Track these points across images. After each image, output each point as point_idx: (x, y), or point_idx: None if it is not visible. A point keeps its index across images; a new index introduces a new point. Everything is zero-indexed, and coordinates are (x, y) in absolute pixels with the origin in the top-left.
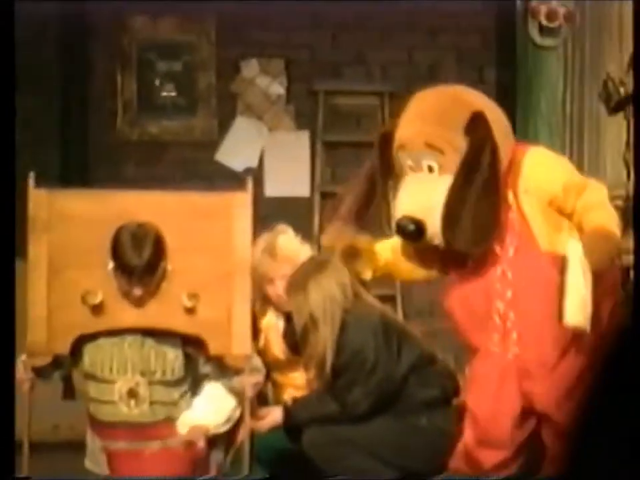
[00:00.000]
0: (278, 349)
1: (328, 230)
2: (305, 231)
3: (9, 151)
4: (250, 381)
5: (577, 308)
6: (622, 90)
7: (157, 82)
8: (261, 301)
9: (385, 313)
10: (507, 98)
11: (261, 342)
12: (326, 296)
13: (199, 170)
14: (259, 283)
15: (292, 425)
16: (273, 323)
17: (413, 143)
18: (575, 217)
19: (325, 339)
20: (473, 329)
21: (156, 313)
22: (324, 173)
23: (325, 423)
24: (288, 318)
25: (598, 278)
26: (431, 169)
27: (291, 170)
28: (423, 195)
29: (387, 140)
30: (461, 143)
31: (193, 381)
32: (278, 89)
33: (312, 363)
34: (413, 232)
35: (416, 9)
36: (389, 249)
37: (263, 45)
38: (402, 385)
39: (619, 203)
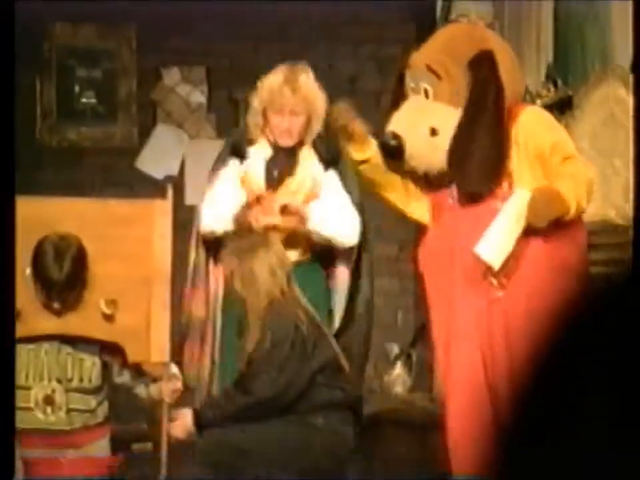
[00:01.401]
0: (257, 181)
1: (341, 103)
2: None
3: (9, 152)
4: (168, 388)
5: (492, 244)
6: (539, 102)
7: (77, 88)
8: (254, 128)
9: (307, 310)
10: None
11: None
12: (258, 276)
13: (119, 177)
14: (264, 110)
15: (203, 426)
16: (258, 153)
17: (417, 64)
18: (551, 178)
19: (250, 322)
20: (437, 274)
21: (74, 320)
22: None
23: (236, 421)
24: (275, 149)
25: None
26: (426, 93)
27: None
28: (411, 116)
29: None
30: (460, 75)
31: (110, 389)
32: (199, 96)
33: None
34: (392, 147)
35: (336, 19)
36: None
37: (184, 52)
38: (309, 383)
39: None
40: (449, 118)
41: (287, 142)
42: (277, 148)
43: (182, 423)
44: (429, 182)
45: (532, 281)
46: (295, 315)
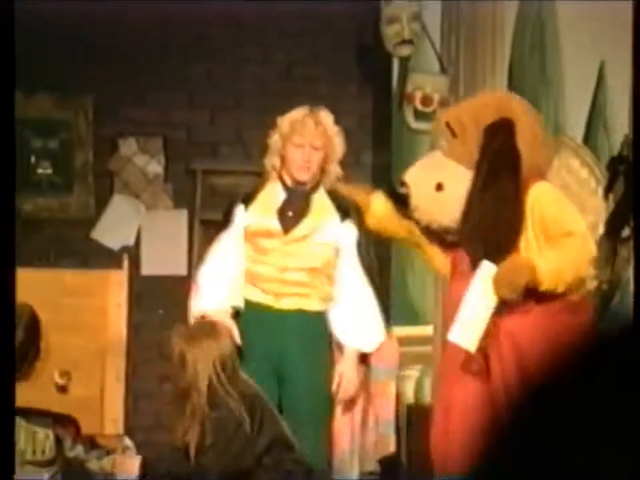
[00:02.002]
0: (271, 215)
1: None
2: (181, 311)
3: (9, 152)
4: (122, 461)
5: (464, 327)
6: None
7: (33, 159)
8: (271, 169)
9: (257, 392)
10: (384, 181)
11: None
12: (206, 362)
13: (75, 248)
14: (282, 142)
15: (147, 476)
16: (272, 193)
17: (440, 120)
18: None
19: (197, 403)
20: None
21: (27, 391)
22: (201, 251)
23: None
24: (289, 191)
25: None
26: (442, 148)
27: (168, 248)
28: (423, 168)
29: None
30: (476, 137)
31: (63, 462)
32: (156, 167)
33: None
34: (400, 194)
35: (294, 90)
36: (383, 201)
37: (141, 123)
38: (255, 463)
39: None
40: (457, 176)
41: (304, 176)
42: (290, 190)
43: (130, 464)
44: (444, 239)
45: (513, 361)
46: (236, 404)
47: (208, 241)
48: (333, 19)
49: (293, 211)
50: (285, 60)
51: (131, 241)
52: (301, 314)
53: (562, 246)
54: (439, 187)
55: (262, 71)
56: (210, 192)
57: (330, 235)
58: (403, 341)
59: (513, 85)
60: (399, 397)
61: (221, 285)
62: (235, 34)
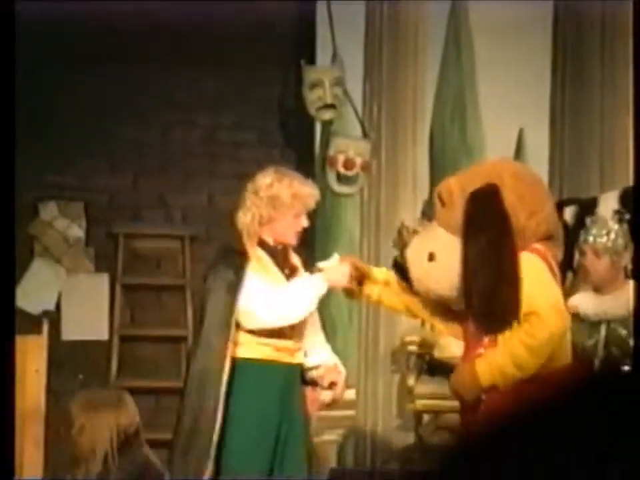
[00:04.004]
0: (275, 274)
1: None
2: (102, 375)
3: (8, 153)
4: None
5: None
6: (415, 239)
7: None
8: (252, 227)
9: (148, 459)
10: (306, 244)
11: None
12: (102, 432)
13: None
14: (273, 210)
15: None
16: (258, 256)
17: (434, 192)
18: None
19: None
20: None
21: None
22: (123, 316)
23: None
24: (272, 253)
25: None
26: (436, 219)
27: (89, 313)
28: (420, 240)
29: None
30: (461, 204)
31: None
32: (77, 231)
33: None
34: (402, 270)
35: (217, 155)
36: (383, 274)
37: (62, 187)
38: None
39: (413, 348)
40: (447, 245)
41: (296, 241)
42: (271, 249)
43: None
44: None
45: None
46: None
47: (130, 304)
48: (256, 84)
49: (287, 268)
50: (209, 124)
51: (51, 306)
52: (299, 367)
53: (517, 331)
54: (431, 257)
55: (186, 135)
56: (132, 255)
57: None
58: (326, 405)
59: (433, 151)
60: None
61: (300, 293)
62: (160, 98)
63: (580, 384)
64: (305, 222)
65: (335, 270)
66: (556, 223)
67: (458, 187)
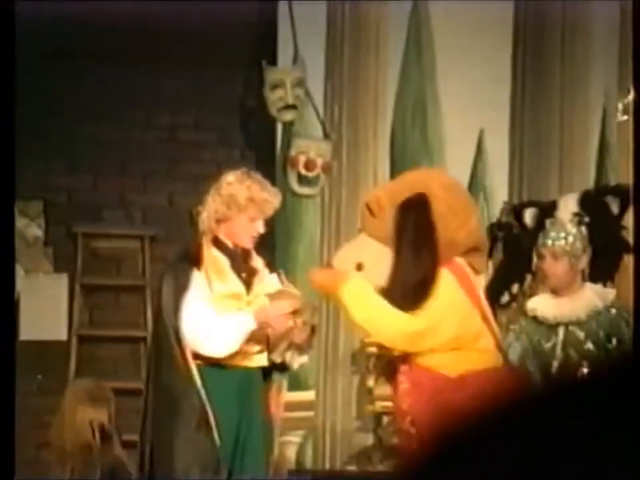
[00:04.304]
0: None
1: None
2: (61, 376)
3: (8, 153)
4: None
5: None
6: None
7: None
8: (210, 227)
9: (121, 459)
10: (266, 245)
11: (202, 271)
12: (78, 429)
13: None
14: (229, 211)
15: None
16: (212, 255)
17: (363, 203)
18: None
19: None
20: None
21: None
22: (82, 316)
23: None
24: (231, 255)
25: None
26: (364, 229)
27: (48, 313)
28: (348, 250)
29: None
30: (391, 214)
31: None
32: (36, 230)
33: None
34: None
35: (178, 154)
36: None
37: (21, 186)
38: None
39: (373, 350)
40: (376, 255)
41: (251, 245)
42: (230, 251)
43: None
44: None
45: None
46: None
47: (89, 304)
48: (217, 83)
49: (245, 271)
50: (169, 124)
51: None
52: (259, 370)
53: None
54: (359, 267)
55: (146, 135)
56: (92, 255)
57: (268, 288)
58: (286, 407)
59: (394, 152)
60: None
61: (225, 327)
62: (120, 98)
63: (506, 388)
64: (260, 228)
65: (274, 307)
66: (482, 235)
67: (387, 198)
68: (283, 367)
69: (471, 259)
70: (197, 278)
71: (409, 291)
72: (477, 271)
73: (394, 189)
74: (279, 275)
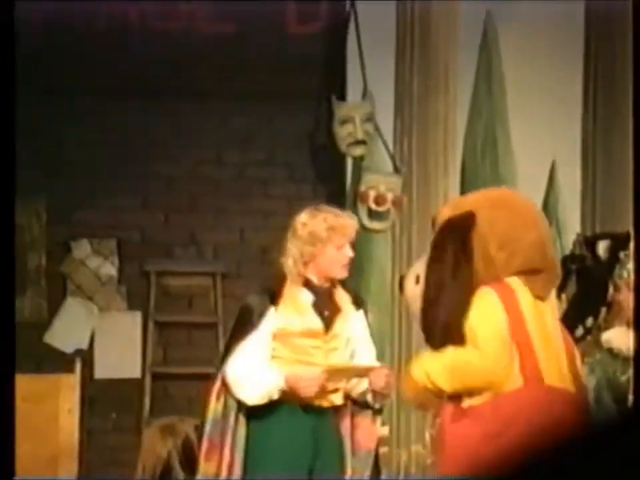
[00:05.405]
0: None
1: None
2: (135, 413)
3: (8, 153)
4: None
5: None
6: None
7: None
8: (295, 267)
9: None
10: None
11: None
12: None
13: (27, 351)
14: (313, 247)
15: None
16: (296, 293)
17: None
18: None
19: None
20: None
21: None
22: (155, 353)
23: None
24: (315, 291)
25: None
26: None
27: (121, 351)
28: (416, 265)
29: None
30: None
31: None
32: (109, 269)
33: None
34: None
35: (248, 191)
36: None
37: (94, 225)
38: None
39: None
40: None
41: (345, 274)
42: (316, 289)
43: None
44: None
45: None
46: None
47: (162, 342)
48: (286, 119)
49: (327, 309)
50: (239, 161)
51: (84, 344)
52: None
53: (451, 351)
54: (417, 280)
55: (216, 172)
56: (164, 293)
57: (352, 327)
58: None
59: (465, 185)
60: None
61: (257, 379)
62: (190, 135)
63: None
64: (349, 252)
65: (305, 374)
66: (542, 255)
67: (444, 213)
68: (366, 404)
69: (528, 281)
70: (270, 315)
71: (435, 309)
72: (538, 296)
73: (455, 205)
74: (365, 314)
